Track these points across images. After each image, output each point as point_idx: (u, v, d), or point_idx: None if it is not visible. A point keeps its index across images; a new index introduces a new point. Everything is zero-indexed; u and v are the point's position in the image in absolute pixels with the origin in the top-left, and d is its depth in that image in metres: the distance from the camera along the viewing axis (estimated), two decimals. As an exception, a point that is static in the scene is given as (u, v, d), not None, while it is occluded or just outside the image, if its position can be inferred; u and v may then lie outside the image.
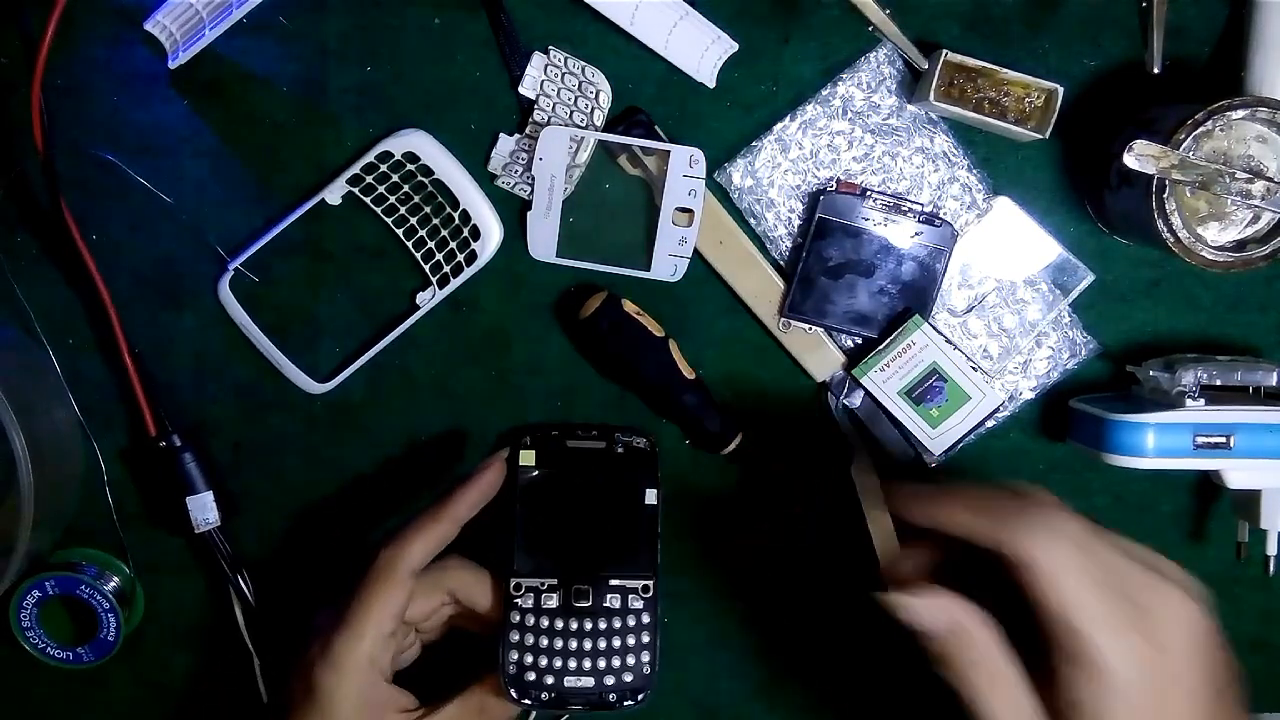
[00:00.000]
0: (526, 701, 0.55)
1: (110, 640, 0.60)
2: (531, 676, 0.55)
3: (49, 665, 0.61)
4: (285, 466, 0.62)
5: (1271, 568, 0.61)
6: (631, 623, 0.56)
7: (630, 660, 0.55)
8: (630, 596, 0.56)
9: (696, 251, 0.60)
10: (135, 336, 0.59)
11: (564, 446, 0.59)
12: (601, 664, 0.55)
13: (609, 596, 0.56)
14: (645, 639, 0.56)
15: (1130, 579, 0.44)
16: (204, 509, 0.59)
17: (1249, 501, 0.60)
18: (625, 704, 0.55)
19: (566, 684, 0.55)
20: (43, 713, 0.63)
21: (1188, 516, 0.64)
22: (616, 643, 0.55)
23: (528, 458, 0.58)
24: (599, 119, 0.59)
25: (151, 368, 0.60)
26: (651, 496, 0.58)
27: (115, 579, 0.61)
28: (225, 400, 0.61)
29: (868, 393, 0.60)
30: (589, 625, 0.55)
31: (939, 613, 0.46)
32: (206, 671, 0.63)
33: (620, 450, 0.59)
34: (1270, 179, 0.54)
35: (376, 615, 0.51)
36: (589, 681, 0.55)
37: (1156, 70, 0.55)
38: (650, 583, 0.56)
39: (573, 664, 0.55)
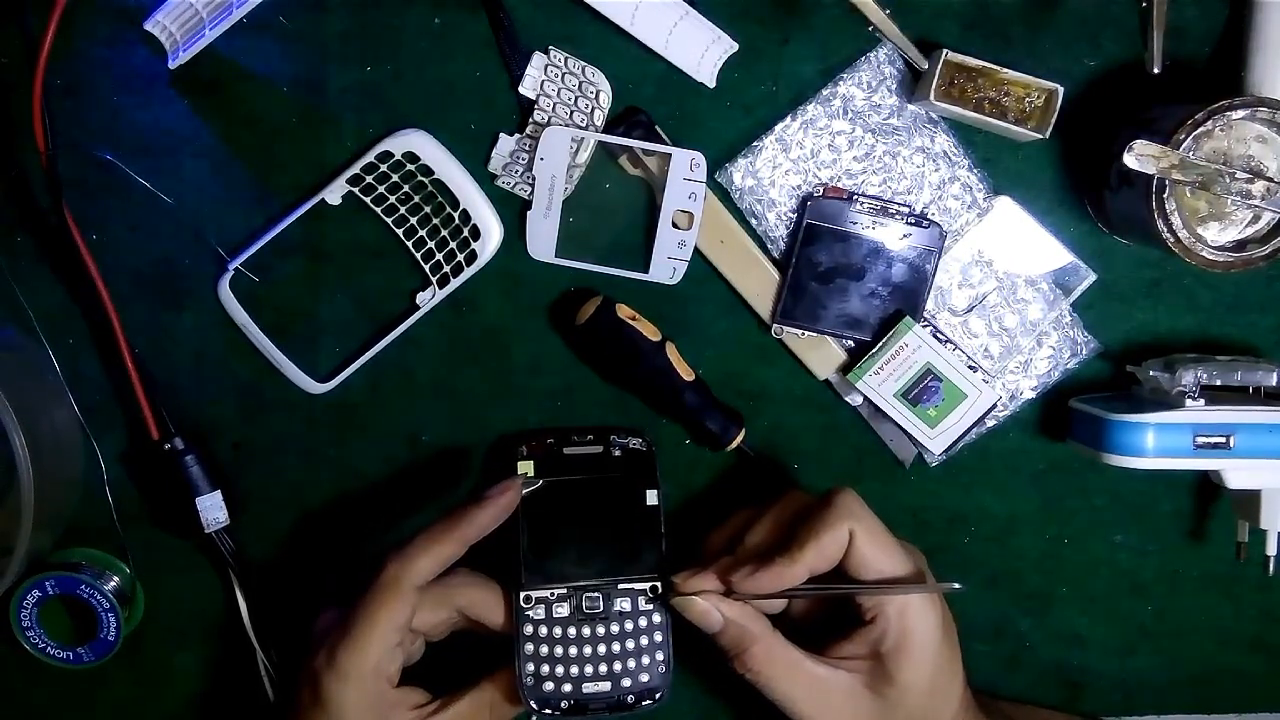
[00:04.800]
0: (548, 711, 0.54)
1: (110, 640, 0.60)
2: (550, 687, 0.55)
3: (49, 665, 0.61)
4: (285, 466, 0.62)
5: (1271, 568, 0.61)
6: (643, 624, 0.56)
7: (645, 660, 0.55)
8: (640, 598, 0.56)
9: (698, 251, 0.60)
10: (135, 336, 0.59)
11: (560, 454, 0.58)
12: (618, 667, 0.55)
13: (619, 601, 0.56)
14: (658, 638, 0.56)
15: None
16: (214, 509, 0.59)
17: (1249, 501, 0.60)
18: (644, 704, 0.55)
19: (585, 690, 0.55)
20: (43, 713, 0.63)
21: (1188, 516, 0.64)
22: (630, 645, 0.55)
23: (526, 469, 0.58)
24: (599, 119, 0.59)
25: (151, 368, 0.60)
26: (653, 497, 0.58)
27: (115, 579, 0.61)
28: (225, 400, 0.61)
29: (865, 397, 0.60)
30: (601, 631, 0.55)
31: (713, 613, 0.53)
32: (207, 671, 0.63)
33: (617, 453, 0.59)
34: (1270, 179, 0.54)
35: (381, 628, 0.52)
36: (606, 686, 0.55)
37: (1156, 70, 0.55)
38: (658, 583, 0.56)
39: (589, 670, 0.55)
